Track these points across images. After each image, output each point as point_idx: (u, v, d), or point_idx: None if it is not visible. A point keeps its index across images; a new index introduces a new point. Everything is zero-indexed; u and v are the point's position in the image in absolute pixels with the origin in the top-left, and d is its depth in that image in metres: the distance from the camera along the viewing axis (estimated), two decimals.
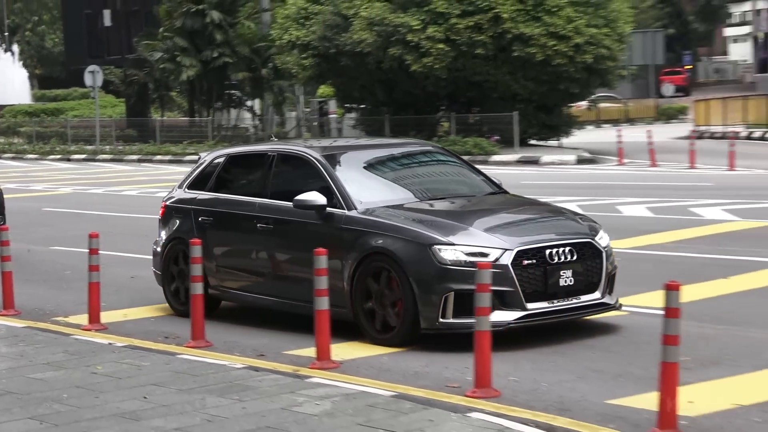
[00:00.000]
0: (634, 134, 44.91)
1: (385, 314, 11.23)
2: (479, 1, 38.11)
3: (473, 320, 9.67)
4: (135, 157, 50.55)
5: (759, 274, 14.70)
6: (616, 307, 11.56)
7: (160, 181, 38.17)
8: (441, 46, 38.39)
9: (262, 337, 12.49)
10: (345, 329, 11.77)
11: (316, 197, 11.80)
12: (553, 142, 42.66)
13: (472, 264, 10.38)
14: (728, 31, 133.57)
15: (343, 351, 11.12)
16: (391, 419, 8.18)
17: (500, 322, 10.41)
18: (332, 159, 12.72)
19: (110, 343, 11.83)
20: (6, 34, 71.08)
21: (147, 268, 16.90)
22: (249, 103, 53.09)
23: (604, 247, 11.51)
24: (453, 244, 10.88)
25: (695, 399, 8.86)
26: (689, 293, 11.49)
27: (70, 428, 8.31)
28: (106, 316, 13.30)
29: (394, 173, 13.40)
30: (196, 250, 11.65)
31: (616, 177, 31.69)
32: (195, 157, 45.23)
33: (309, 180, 12.41)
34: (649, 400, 8.36)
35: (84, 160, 49.81)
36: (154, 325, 13.45)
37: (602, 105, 69.47)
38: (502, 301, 10.57)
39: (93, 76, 51.05)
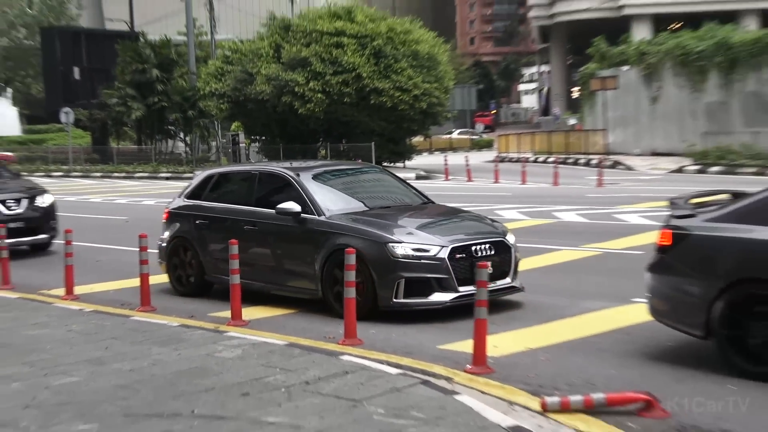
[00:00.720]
0: (456, 159, 45.37)
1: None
2: (346, 64, 38.33)
3: (419, 300, 10.45)
4: (98, 174, 49.51)
5: (543, 257, 15.01)
6: (521, 288, 11.33)
7: (117, 191, 37.58)
8: (319, 95, 38.46)
9: (192, 303, 12.49)
10: (255, 298, 11.91)
11: (293, 206, 11.49)
12: (399, 164, 43.03)
13: (418, 258, 10.46)
14: (521, 87, 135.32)
15: (251, 313, 11.27)
16: (285, 361, 8.52)
17: (440, 301, 10.48)
18: (304, 177, 12.21)
19: (81, 309, 11.81)
20: (1, 84, 69.49)
21: (109, 254, 16.70)
22: (181, 135, 52.69)
23: (512, 244, 11.31)
24: (402, 242, 10.58)
25: (499, 344, 9.23)
26: None
27: (52, 371, 8.38)
28: (78, 290, 13.20)
29: (349, 188, 12.74)
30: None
31: (444, 189, 31.83)
32: (143, 174, 44.88)
33: (285, 193, 11.96)
34: (467, 346, 8.68)
35: (61, 176, 48.90)
36: (114, 296, 13.31)
37: (448, 136, 70.29)
38: (440, 286, 10.46)
39: (66, 115, 50.51)
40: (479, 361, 8.26)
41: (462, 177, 37.53)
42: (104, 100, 50.23)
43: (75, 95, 52.90)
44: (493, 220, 12.46)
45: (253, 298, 11.83)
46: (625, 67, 42.27)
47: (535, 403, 7.06)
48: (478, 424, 6.47)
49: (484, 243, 10.91)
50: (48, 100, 56.38)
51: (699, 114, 39.04)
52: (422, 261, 10.49)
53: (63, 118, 52.01)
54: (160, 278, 13.68)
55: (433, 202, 12.98)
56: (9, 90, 68.75)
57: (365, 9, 43.00)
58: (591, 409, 6.91)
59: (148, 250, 12.28)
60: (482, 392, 7.40)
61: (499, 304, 11.07)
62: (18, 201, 17.42)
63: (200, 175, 14.09)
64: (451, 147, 65.88)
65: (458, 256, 10.59)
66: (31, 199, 17.70)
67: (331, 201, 11.88)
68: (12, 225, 15.88)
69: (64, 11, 79.23)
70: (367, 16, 40.95)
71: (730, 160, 33.24)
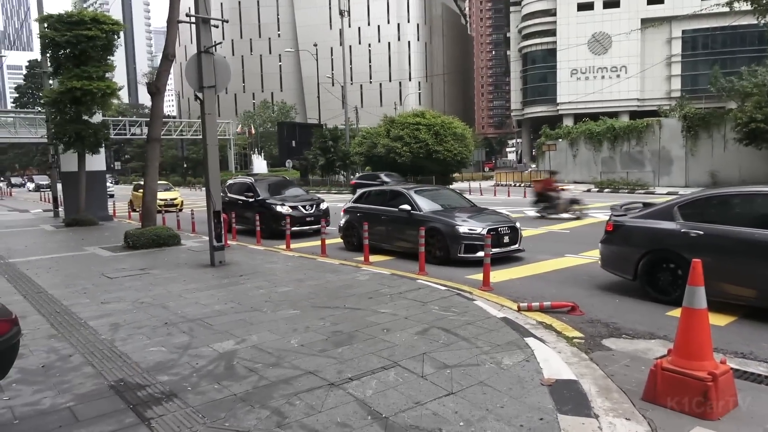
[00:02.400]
0: (474, 184, 44.51)
1: (434, 250, 9.90)
2: (421, 138, 37.91)
3: (471, 255, 9.62)
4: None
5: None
6: (523, 250, 10.26)
7: None
8: (408, 153, 38.03)
9: (346, 253, 11.43)
10: (378, 251, 11.73)
11: (407, 206, 10.64)
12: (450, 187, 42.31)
13: (470, 233, 9.62)
14: (507, 149, 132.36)
15: (373, 258, 10.90)
16: (389, 281, 8.38)
17: (481, 256, 9.33)
18: (411, 191, 11.23)
19: (293, 255, 11.34)
20: (259, 149, 70.68)
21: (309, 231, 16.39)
22: (342, 172, 52.76)
23: (519, 227, 10.27)
24: (462, 226, 9.73)
25: (497, 276, 8.89)
26: None
27: (278, 284, 8.24)
28: (293, 245, 12.87)
29: (432, 197, 11.32)
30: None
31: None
32: (323, 192, 44.95)
33: (402, 200, 10.96)
34: (480, 276, 8.40)
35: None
36: (309, 249, 12.09)
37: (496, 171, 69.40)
38: (482, 248, 9.36)
39: (289, 163, 51.12)
40: (486, 284, 8.01)
41: (477, 193, 36.92)
42: (306, 156, 50.80)
43: (293, 154, 53.63)
44: (507, 215, 11.27)
45: (377, 251, 11.50)
46: (560, 140, 40.93)
47: (514, 306, 6.88)
48: (484, 315, 6.31)
49: (504, 226, 10.01)
50: (280, 156, 57.38)
51: (598, 163, 37.59)
52: (474, 235, 9.65)
53: (287, 164, 52.79)
54: (333, 241, 13.62)
55: (475, 205, 11.60)
56: (263, 152, 70.31)
57: (431, 111, 42.56)
58: (543, 310, 6.69)
59: (327, 228, 12.26)
60: (487, 300, 7.23)
61: (503, 258, 10.73)
62: (311, 205, 15.43)
63: (359, 192, 12.86)
64: (472, 178, 64.74)
65: (491, 233, 9.70)
66: (317, 204, 15.67)
67: (424, 204, 10.80)
68: (308, 219, 14.95)
69: (288, 115, 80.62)
70: (432, 116, 40.58)
71: (614, 186, 32.06)
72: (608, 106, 64.51)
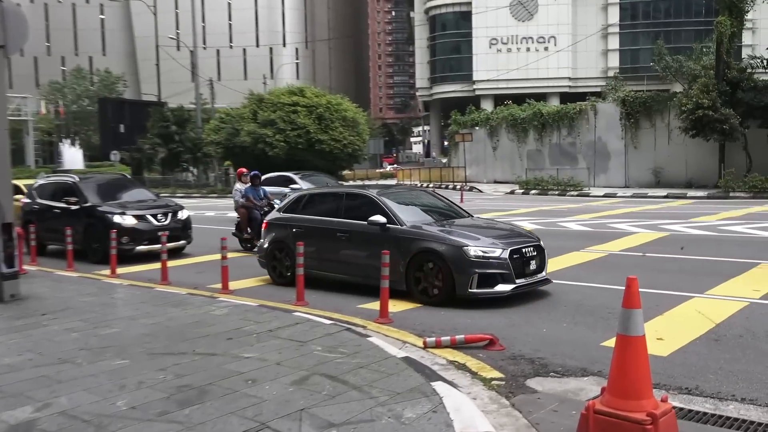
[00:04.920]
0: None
1: (427, 285, 9.06)
2: (300, 123, 38.16)
3: (488, 290, 8.76)
4: None
5: None
6: (549, 280, 9.50)
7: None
8: (282, 144, 38.16)
9: (196, 279, 11.94)
10: (238, 274, 11.60)
11: (379, 218, 9.57)
12: None
13: (485, 257, 8.72)
14: (412, 139, 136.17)
15: (234, 285, 10.91)
16: (256, 316, 8.29)
17: (503, 291, 8.75)
18: (385, 196, 10.19)
19: (120, 283, 11.38)
20: (72, 135, 67.40)
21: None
22: (191, 168, 51.64)
23: (544, 247, 9.64)
24: (472, 246, 8.82)
25: (397, 304, 9.12)
26: None
27: (99, 325, 8.02)
28: (120, 270, 12.66)
29: (412, 203, 10.70)
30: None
31: None
32: (165, 194, 43.81)
33: (370, 208, 9.91)
34: (376, 305, 8.58)
35: None
36: (145, 274, 12.48)
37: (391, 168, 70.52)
38: (503, 279, 8.77)
39: (114, 156, 49.51)
40: (383, 315, 8.21)
41: None
42: (140, 146, 48.96)
43: (120, 143, 51.51)
44: (523, 228, 10.68)
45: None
46: (477, 128, 42.76)
47: (419, 342, 7.08)
48: (381, 356, 6.44)
49: (530, 246, 9.22)
50: (102, 146, 54.86)
51: (523, 157, 39.70)
52: (491, 260, 8.73)
53: (112, 157, 50.74)
54: (175, 262, 13.30)
55: (472, 216, 10.83)
56: (77, 139, 66.75)
57: (312, 88, 42.87)
58: (455, 345, 6.95)
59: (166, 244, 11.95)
60: (385, 335, 7.40)
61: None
62: (166, 214, 14.87)
63: (292, 196, 11.64)
64: (368, 177, 65.84)
65: (515, 256, 8.89)
66: (174, 212, 15.08)
67: (407, 214, 9.86)
68: (161, 233, 13.54)
69: (114, 88, 77.22)
70: (314, 93, 40.94)
71: (543, 186, 34.00)
72: (535, 86, 68.44)
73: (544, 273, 9.45)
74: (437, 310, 8.89)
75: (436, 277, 8.98)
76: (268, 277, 11.42)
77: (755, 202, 24.45)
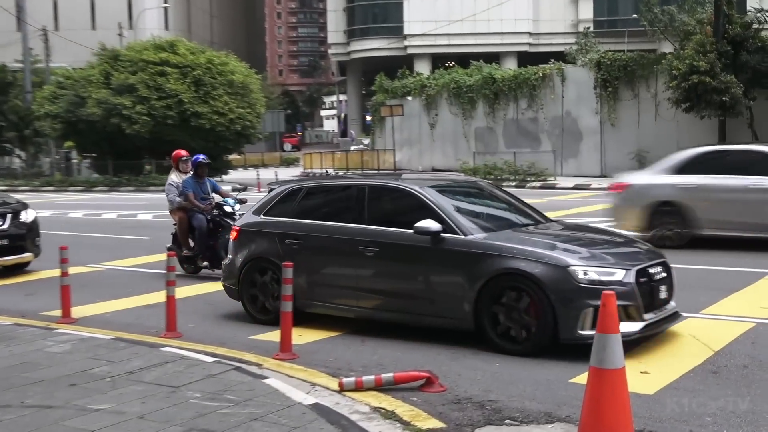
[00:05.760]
0: (268, 174, 45.05)
1: (513, 324, 8.05)
2: (169, 90, 37.70)
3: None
4: None
5: None
6: (681, 314, 8.70)
7: None
8: (145, 118, 37.71)
9: (25, 304, 11.73)
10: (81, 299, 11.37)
11: (430, 224, 8.49)
12: (217, 179, 42.38)
13: (604, 283, 7.73)
14: (323, 113, 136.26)
15: (80, 311, 10.72)
16: (110, 353, 8.19)
17: (629, 332, 7.60)
18: (430, 189, 9.20)
19: None
20: None
21: None
22: (17, 151, 50.15)
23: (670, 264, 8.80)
24: (585, 266, 7.92)
25: (303, 333, 9.16)
26: None
27: None
28: None
29: (469, 201, 9.87)
30: None
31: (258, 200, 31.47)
32: None
33: (413, 210, 8.95)
34: (275, 336, 8.58)
35: None
36: None
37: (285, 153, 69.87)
38: (627, 314, 7.73)
39: None
40: (285, 348, 8.21)
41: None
42: None
43: None
44: (633, 238, 10.24)
45: (79, 298, 11.12)
46: (409, 98, 43.15)
47: (334, 384, 7.12)
48: (283, 403, 6.44)
49: (657, 264, 8.43)
50: None
51: (470, 137, 40.29)
52: (612, 287, 7.66)
53: None
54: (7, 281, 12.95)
55: (553, 220, 10.21)
56: None
57: (186, 43, 42.39)
58: (381, 387, 7.00)
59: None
60: (288, 375, 7.39)
61: None
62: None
63: (278, 189, 10.48)
64: (263, 163, 65.44)
65: (641, 279, 8.02)
66: (14, 214, 14.35)
67: (468, 218, 8.95)
68: None
69: None
70: (188, 49, 40.54)
71: (496, 175, 34.53)
72: (486, 43, 69.66)
73: (673, 303, 8.64)
74: (355, 341, 8.93)
75: (525, 314, 7.99)
76: (129, 298, 11.22)
77: None
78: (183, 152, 14.83)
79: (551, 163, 36.23)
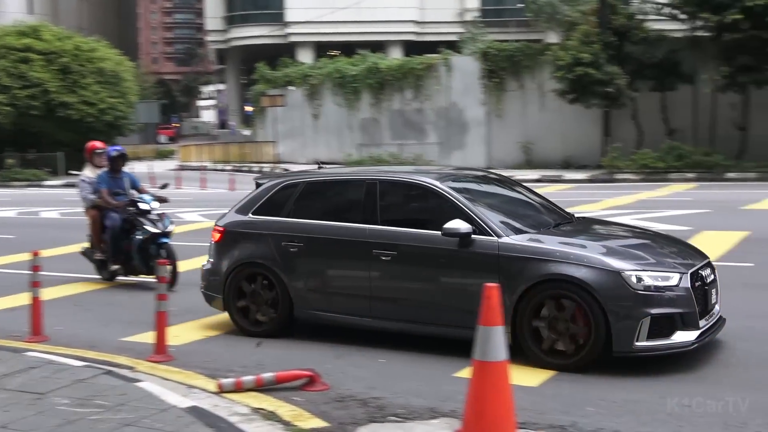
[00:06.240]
0: (140, 167, 44.23)
1: (559, 336, 7.48)
2: (33, 79, 36.58)
3: (662, 342, 7.34)
4: None
5: None
6: (725, 320, 8.19)
7: None
8: (7, 108, 36.51)
9: None
10: None
11: (459, 225, 7.82)
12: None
13: (661, 288, 7.36)
14: (201, 103, 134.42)
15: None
16: None
17: (685, 342, 7.38)
18: (452, 185, 8.51)
19: None
20: None
21: None
22: None
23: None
24: (641, 270, 7.43)
25: (179, 334, 9.08)
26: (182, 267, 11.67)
27: None
28: None
29: (496, 201, 9.02)
30: None
31: None
32: None
33: (435, 210, 8.32)
34: (149, 337, 8.48)
35: None
36: None
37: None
38: (683, 322, 7.39)
39: None
40: (160, 350, 8.12)
41: (146, 184, 36.55)
42: None
43: None
44: (672, 236, 9.59)
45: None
46: (292, 88, 42.99)
47: (212, 385, 7.08)
48: (158, 407, 6.37)
49: (706, 265, 8.05)
50: None
51: (355, 128, 40.43)
52: (666, 292, 7.37)
53: None
54: None
55: (584, 218, 9.81)
56: None
57: (52, 28, 41.23)
58: (262, 387, 7.00)
59: None
60: (163, 378, 7.32)
61: (179, 296, 10.87)
62: None
63: (268, 184, 9.62)
64: (138, 156, 64.07)
65: (696, 284, 7.62)
66: None
67: (499, 218, 8.27)
68: None
69: None
70: (54, 35, 39.44)
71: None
72: (370, 31, 69.88)
73: (719, 308, 8.19)
74: (237, 342, 8.89)
75: (573, 323, 7.47)
76: None
77: (646, 186, 26.48)
78: (97, 144, 13.71)
79: (437, 154, 36.71)
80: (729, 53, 27.46)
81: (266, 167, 39.77)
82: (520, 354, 7.48)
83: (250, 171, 41.79)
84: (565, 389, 7.03)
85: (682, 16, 29.99)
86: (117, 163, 12.85)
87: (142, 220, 12.19)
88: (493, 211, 8.39)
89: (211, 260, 9.51)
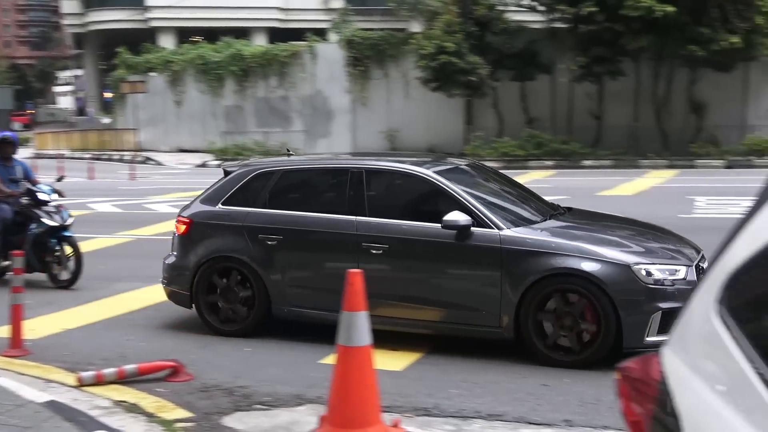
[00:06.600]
0: None
1: (566, 335, 7.29)
2: None
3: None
4: None
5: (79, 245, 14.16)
6: None
7: None
8: None
9: None
10: None
11: (459, 217, 7.45)
12: None
13: (671, 282, 7.16)
14: (57, 89, 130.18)
15: None
16: None
17: None
18: (444, 178, 8.05)
19: None
20: None
21: None
22: None
23: None
24: (650, 264, 7.24)
25: (36, 327, 8.85)
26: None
27: None
28: None
29: (488, 191, 8.59)
30: None
31: None
32: None
33: (430, 200, 8.08)
34: (4, 331, 8.24)
35: None
36: None
37: None
38: None
39: None
40: (16, 344, 7.88)
41: None
42: None
43: None
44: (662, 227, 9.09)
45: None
46: (153, 74, 42.09)
47: (71, 379, 6.99)
48: (13, 402, 6.24)
49: (703, 258, 7.74)
50: None
51: (219, 115, 39.95)
52: (675, 286, 7.17)
53: None
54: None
55: (570, 208, 9.22)
56: None
57: None
58: (124, 380, 6.94)
59: None
60: (19, 373, 7.15)
61: (36, 288, 10.57)
62: None
63: (239, 171, 8.98)
64: None
65: (700, 276, 7.09)
66: None
67: (495, 209, 7.90)
68: None
69: None
70: None
71: (246, 155, 34.47)
72: (234, 17, 69.07)
73: None
74: (98, 334, 8.73)
75: (581, 319, 7.26)
76: None
77: (507, 174, 27.16)
78: None
79: (302, 142, 36.68)
80: (585, 44, 28.35)
81: (127, 155, 38.87)
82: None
83: (110, 159, 40.86)
84: (430, 373, 7.21)
85: (541, 8, 30.80)
86: (5, 149, 11.78)
87: (38, 212, 11.14)
88: (489, 202, 8.04)
89: (175, 254, 8.87)
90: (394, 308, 7.85)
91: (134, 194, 23.53)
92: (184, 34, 64.32)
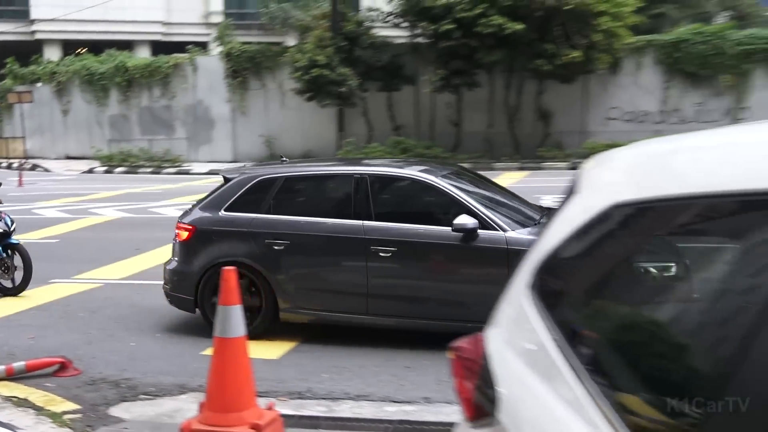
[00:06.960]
0: None
1: None
2: None
3: None
4: None
5: None
6: None
7: None
8: None
9: None
10: None
11: (467, 221, 7.28)
12: None
13: None
14: None
15: None
16: None
17: None
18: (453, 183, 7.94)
19: None
20: None
21: None
22: None
23: None
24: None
25: None
26: None
27: None
28: None
29: (482, 194, 8.20)
30: None
31: None
32: None
33: (438, 205, 7.86)
34: None
35: None
36: None
37: None
38: None
39: None
40: None
41: None
42: None
43: None
44: None
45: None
46: (39, 84, 40.74)
47: None
48: None
49: None
50: None
51: (104, 124, 38.99)
52: None
53: None
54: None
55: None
56: None
57: None
58: (13, 377, 6.78)
59: None
60: None
61: None
62: None
63: (239, 179, 8.50)
64: None
65: None
66: None
67: (497, 213, 7.71)
68: None
69: None
70: None
71: (132, 162, 33.99)
72: (118, 30, 67.37)
73: None
74: None
75: None
76: None
77: None
78: None
79: (186, 149, 36.25)
80: (444, 58, 28.93)
81: (15, 162, 37.50)
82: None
83: None
84: (304, 359, 7.33)
85: (404, 25, 31.33)
86: None
87: None
88: (490, 205, 7.83)
89: (176, 260, 8.42)
90: (400, 308, 7.70)
91: (23, 200, 22.73)
92: (69, 46, 62.36)
